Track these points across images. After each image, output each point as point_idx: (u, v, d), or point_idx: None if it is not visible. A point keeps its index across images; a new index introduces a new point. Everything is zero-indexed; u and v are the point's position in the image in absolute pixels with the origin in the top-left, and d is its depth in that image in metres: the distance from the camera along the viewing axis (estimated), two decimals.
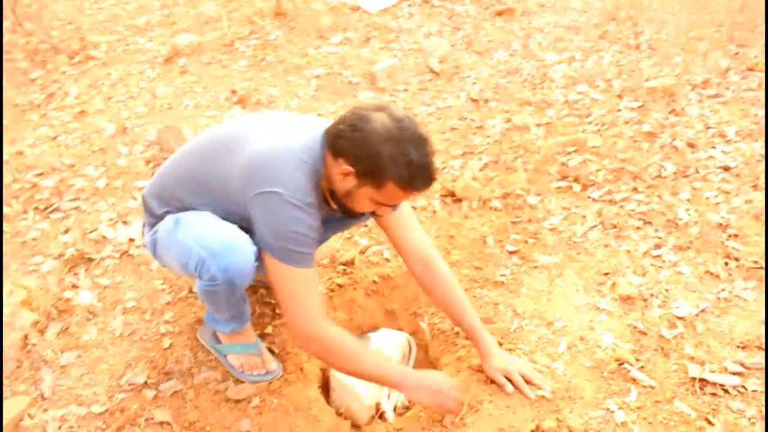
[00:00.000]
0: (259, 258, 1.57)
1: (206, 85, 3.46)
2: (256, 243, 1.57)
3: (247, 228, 1.58)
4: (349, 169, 1.45)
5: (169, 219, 1.64)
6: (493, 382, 1.71)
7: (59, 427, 1.71)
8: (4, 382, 1.82)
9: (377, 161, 1.41)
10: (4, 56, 3.69)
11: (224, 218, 1.60)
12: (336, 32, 4.08)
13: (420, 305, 2.10)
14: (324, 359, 1.57)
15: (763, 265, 2.08)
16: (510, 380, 1.69)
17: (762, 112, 2.95)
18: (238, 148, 1.52)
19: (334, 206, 1.60)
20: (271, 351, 1.91)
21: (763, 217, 2.29)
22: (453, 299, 1.76)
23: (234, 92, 3.37)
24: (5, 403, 1.74)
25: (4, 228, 2.37)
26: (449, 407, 1.59)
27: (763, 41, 3.61)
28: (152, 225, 1.73)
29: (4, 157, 2.76)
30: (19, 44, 3.92)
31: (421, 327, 2.03)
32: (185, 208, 1.64)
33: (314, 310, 1.50)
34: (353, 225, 1.96)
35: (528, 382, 1.70)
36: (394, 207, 1.59)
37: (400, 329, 2.07)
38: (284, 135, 1.52)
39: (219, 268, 1.52)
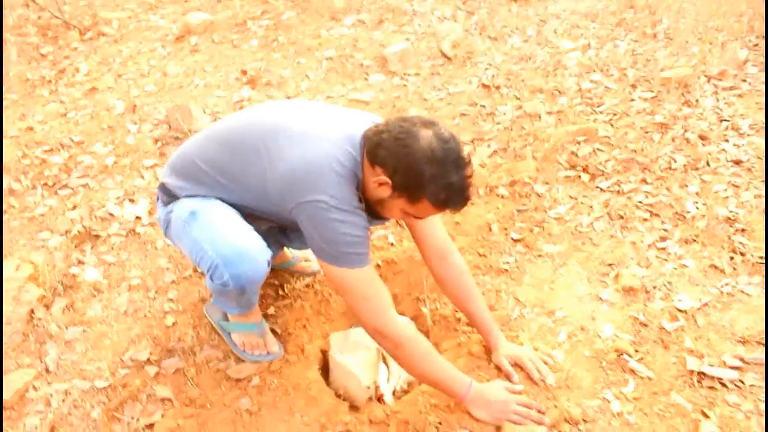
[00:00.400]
0: (270, 262, 1.60)
1: (217, 64, 3.46)
2: (270, 247, 1.59)
3: (273, 220, 1.62)
4: (386, 180, 1.43)
5: (185, 205, 1.63)
6: (499, 371, 1.73)
7: (63, 400, 1.74)
8: (11, 354, 1.86)
9: (418, 180, 1.39)
10: (17, 30, 3.71)
11: (249, 208, 1.60)
12: (349, 14, 4.05)
13: (422, 290, 2.10)
14: (393, 354, 1.56)
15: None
16: (520, 366, 1.72)
17: None
18: (274, 149, 1.50)
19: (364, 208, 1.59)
20: (273, 332, 1.93)
21: None
22: (467, 292, 1.78)
23: (244, 72, 3.36)
24: (11, 375, 1.78)
25: (12, 203, 2.40)
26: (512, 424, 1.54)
27: None
28: (166, 203, 1.71)
29: (14, 132, 2.78)
30: (31, 19, 3.93)
31: (423, 312, 2.04)
32: (205, 195, 1.63)
33: (384, 305, 1.52)
34: (377, 225, 1.94)
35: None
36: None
37: (402, 314, 2.07)
38: (322, 137, 1.49)
39: (231, 276, 1.54)
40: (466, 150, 1.46)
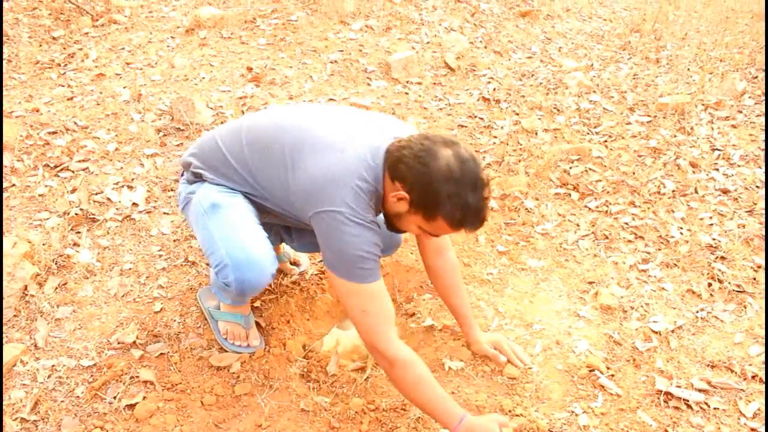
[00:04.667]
0: (275, 274, 1.64)
1: (223, 59, 3.52)
2: (269, 238, 1.64)
3: (290, 220, 1.68)
4: (405, 195, 1.47)
5: (209, 193, 1.67)
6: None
7: (49, 376, 1.78)
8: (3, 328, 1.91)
9: (435, 198, 1.43)
10: (29, 12, 3.76)
11: (271, 209, 1.66)
12: (358, 18, 4.11)
13: (406, 296, 2.15)
14: (387, 373, 1.56)
15: (746, 290, 2.11)
16: (500, 350, 1.86)
17: None
18: (299, 161, 1.54)
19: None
20: (257, 325, 1.98)
21: (754, 242, 2.31)
22: (455, 287, 1.87)
23: (250, 69, 3.42)
24: None
25: (13, 182, 2.45)
26: None
27: None
28: (191, 182, 1.78)
29: (20, 113, 2.83)
30: (44, 1, 3.98)
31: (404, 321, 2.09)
32: (232, 189, 1.68)
33: (382, 322, 1.52)
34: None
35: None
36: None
37: None
38: (347, 150, 1.52)
39: (236, 279, 1.59)
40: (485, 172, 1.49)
